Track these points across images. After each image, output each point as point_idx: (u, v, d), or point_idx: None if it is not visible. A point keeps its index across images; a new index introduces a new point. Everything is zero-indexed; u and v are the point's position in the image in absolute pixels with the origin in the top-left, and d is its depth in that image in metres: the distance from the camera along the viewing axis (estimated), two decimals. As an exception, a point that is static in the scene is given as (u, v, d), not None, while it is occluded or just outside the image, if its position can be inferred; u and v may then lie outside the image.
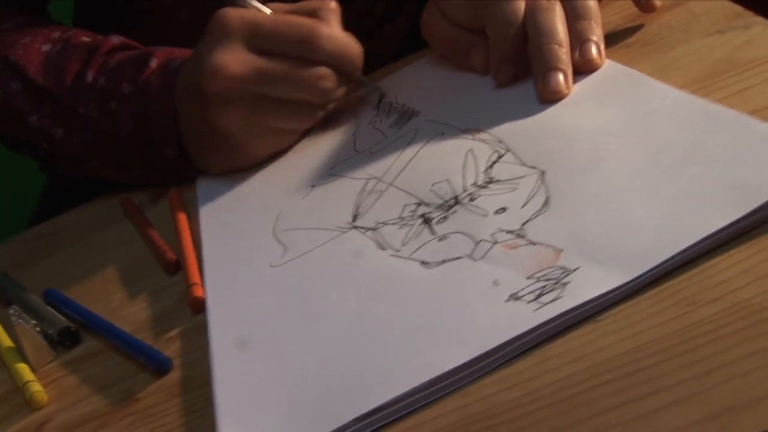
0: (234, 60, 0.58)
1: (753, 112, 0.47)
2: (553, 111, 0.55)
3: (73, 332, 0.55)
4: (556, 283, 0.41)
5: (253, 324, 0.49)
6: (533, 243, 0.45)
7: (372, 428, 0.39)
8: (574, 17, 0.58)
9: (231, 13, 0.59)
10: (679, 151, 0.46)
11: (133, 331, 0.54)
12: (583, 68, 0.57)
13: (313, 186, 0.59)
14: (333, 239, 0.52)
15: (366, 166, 0.58)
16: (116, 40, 0.69)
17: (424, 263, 0.47)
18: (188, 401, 0.46)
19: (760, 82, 0.50)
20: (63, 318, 0.56)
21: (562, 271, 0.42)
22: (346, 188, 0.57)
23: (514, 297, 0.42)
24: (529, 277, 0.43)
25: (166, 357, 0.49)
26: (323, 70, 0.59)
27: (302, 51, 0.58)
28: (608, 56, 0.58)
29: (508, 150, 0.53)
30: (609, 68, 0.56)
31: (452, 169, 0.53)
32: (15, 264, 0.68)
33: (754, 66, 0.51)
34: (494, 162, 0.52)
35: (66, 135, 0.68)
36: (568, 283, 0.41)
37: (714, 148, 0.45)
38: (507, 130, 0.55)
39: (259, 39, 0.58)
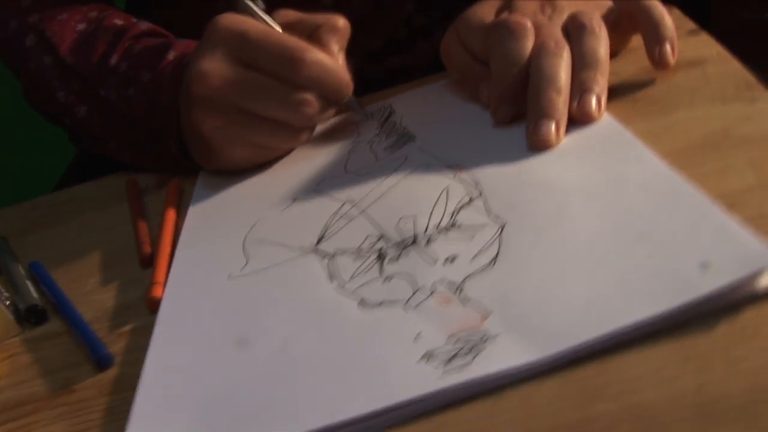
0: (216, 69, 0.58)
1: (723, 195, 0.45)
2: (536, 160, 0.53)
3: (39, 311, 0.57)
4: (472, 349, 0.41)
5: (192, 335, 0.49)
6: (467, 300, 0.44)
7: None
8: (580, 65, 0.57)
9: (224, 21, 0.59)
10: (637, 226, 0.45)
11: (94, 318, 0.55)
12: (579, 119, 0.55)
13: (295, 200, 0.59)
14: (291, 260, 0.53)
15: (348, 188, 0.58)
16: (144, 26, 0.70)
17: (362, 302, 0.47)
18: (116, 402, 0.47)
19: (743, 162, 0.47)
20: (35, 295, 0.58)
21: (482, 336, 0.41)
22: (323, 208, 0.57)
23: (428, 355, 0.41)
24: (450, 336, 0.42)
25: (108, 353, 0.50)
26: (304, 96, 0.58)
27: (284, 72, 0.58)
28: (610, 109, 0.56)
29: (480, 195, 0.52)
30: (604, 124, 0.55)
31: (422, 207, 0.53)
32: (20, 229, 0.70)
33: (744, 144, 0.49)
34: (464, 206, 0.52)
35: (88, 114, 0.70)
36: (483, 350, 0.40)
37: (670, 231, 0.43)
38: (487, 173, 0.54)
39: (244, 51, 0.58)
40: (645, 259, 0.42)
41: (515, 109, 0.58)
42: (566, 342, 0.39)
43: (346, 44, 0.62)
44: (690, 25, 0.64)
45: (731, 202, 0.44)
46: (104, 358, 0.50)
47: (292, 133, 0.62)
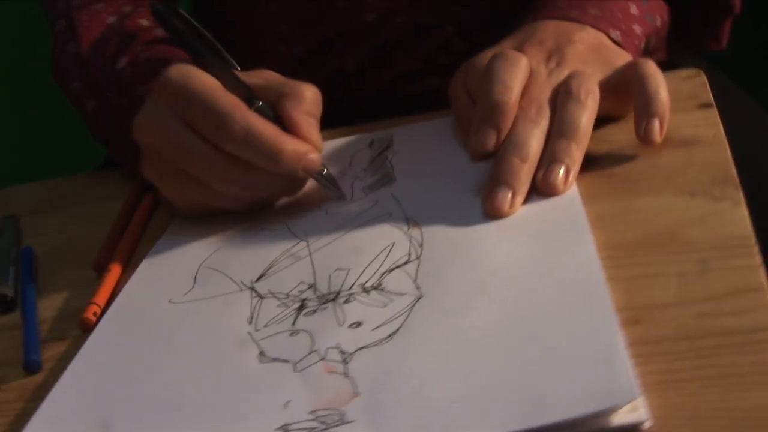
0: (153, 123, 0.57)
1: (637, 306, 0.43)
2: (483, 229, 0.52)
3: (7, 302, 0.60)
4: (325, 428, 0.40)
5: (111, 360, 0.50)
6: (347, 375, 0.43)
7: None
8: (557, 133, 0.54)
9: (172, 74, 0.57)
10: (536, 325, 0.43)
11: (50, 317, 0.58)
12: (542, 190, 0.53)
13: (263, 229, 0.59)
14: (227, 294, 0.53)
15: (309, 226, 0.58)
16: (160, 32, 0.71)
17: (261, 354, 0.47)
18: (29, 409, 0.49)
19: (672, 272, 0.45)
20: (10, 283, 0.61)
21: (338, 419, 0.41)
22: (280, 243, 0.57)
23: (285, 427, 0.41)
24: (312, 411, 0.42)
25: (36, 359, 0.52)
26: (228, 173, 0.56)
27: (212, 133, 0.55)
28: (583, 181, 0.54)
29: (417, 258, 0.51)
30: (566, 199, 0.52)
31: (361, 260, 0.52)
32: (36, 208, 0.74)
33: (685, 250, 0.46)
34: (397, 267, 0.51)
35: (94, 110, 0.71)
36: (334, 436, 0.40)
37: (560, 339, 0.41)
38: (435, 234, 0.53)
39: (182, 108, 0.56)
40: (523, 367, 0.40)
41: (492, 142, 0.56)
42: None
43: (317, 113, 0.59)
44: (706, 97, 0.60)
45: (639, 317, 0.42)
46: (32, 363, 0.52)
47: (233, 201, 0.59)
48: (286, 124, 0.58)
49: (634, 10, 0.67)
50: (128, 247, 0.63)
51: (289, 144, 0.55)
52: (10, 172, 1.63)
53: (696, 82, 0.63)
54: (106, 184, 0.76)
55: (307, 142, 0.57)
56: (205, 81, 0.57)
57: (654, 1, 0.70)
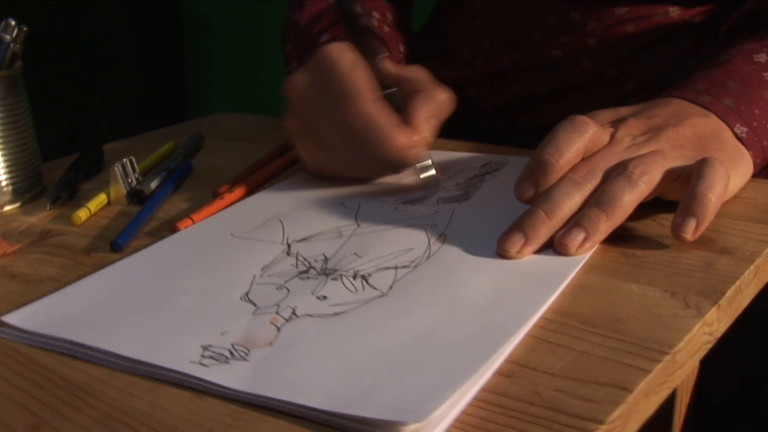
0: (298, 84, 0.68)
1: (517, 363, 0.45)
2: (484, 262, 0.56)
3: (143, 197, 0.73)
4: (226, 358, 0.48)
5: (158, 263, 0.60)
6: (279, 329, 0.50)
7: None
8: (593, 201, 0.57)
9: (328, 50, 0.67)
10: (431, 347, 0.46)
11: (159, 218, 0.70)
12: (556, 247, 0.56)
13: (341, 204, 0.68)
14: (269, 242, 0.62)
15: (372, 214, 0.65)
16: (366, 20, 0.81)
17: (246, 294, 0.55)
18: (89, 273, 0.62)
19: (578, 349, 0.46)
20: (153, 185, 0.74)
21: (242, 356, 0.48)
22: (340, 220, 0.64)
23: (205, 347, 0.49)
24: (232, 343, 0.49)
25: (120, 244, 0.63)
26: (333, 143, 0.66)
27: (335, 112, 0.66)
28: (602, 252, 0.56)
29: (414, 267, 0.56)
30: (567, 261, 0.55)
31: (376, 253, 0.58)
32: (234, 133, 0.89)
33: (606, 337, 0.47)
34: (394, 268, 0.56)
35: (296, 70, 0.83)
36: (226, 364, 0.47)
37: (435, 363, 0.45)
38: (447, 253, 0.57)
39: (325, 81, 0.67)
40: (388, 371, 0.45)
41: (528, 195, 0.59)
42: (268, 391, 0.44)
43: (441, 116, 0.68)
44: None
45: (514, 372, 0.44)
46: (115, 244, 0.64)
47: (341, 168, 0.70)
48: (406, 117, 0.66)
49: None
50: (249, 184, 0.73)
51: (394, 136, 0.64)
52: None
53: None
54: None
55: (416, 138, 0.65)
56: (349, 61, 0.67)
57: None
